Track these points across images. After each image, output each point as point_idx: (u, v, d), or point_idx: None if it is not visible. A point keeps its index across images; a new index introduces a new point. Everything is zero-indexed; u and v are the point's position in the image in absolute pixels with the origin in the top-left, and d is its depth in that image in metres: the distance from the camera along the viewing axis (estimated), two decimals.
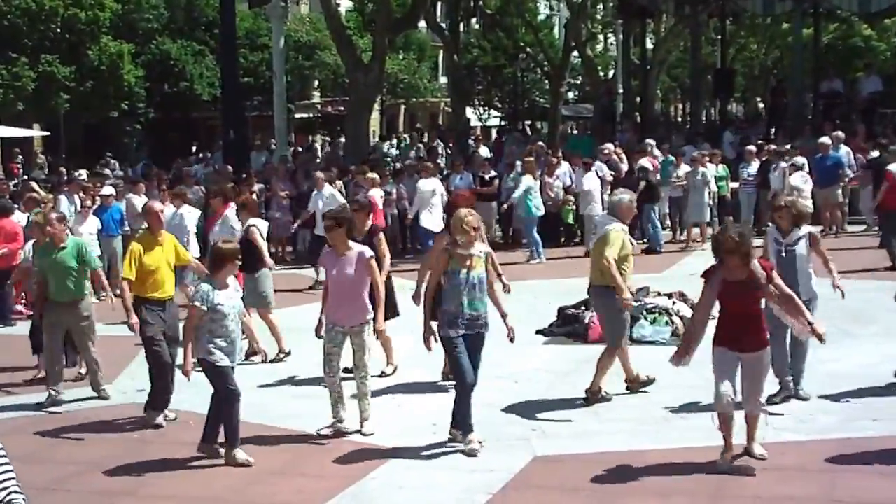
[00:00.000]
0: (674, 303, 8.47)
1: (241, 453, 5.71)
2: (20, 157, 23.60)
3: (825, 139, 13.96)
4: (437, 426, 6.16)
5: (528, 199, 13.02)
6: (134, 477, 5.70)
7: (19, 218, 10.78)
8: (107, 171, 18.84)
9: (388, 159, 19.64)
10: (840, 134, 14.34)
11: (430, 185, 12.65)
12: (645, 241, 13.10)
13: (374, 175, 12.51)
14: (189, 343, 5.70)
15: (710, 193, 13.47)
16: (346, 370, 6.30)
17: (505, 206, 13.81)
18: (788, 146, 14.53)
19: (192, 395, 6.62)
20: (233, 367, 5.78)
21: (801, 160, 12.98)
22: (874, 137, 15.54)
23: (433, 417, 6.34)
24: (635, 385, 6.68)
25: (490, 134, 31.84)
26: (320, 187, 11.88)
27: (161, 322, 6.57)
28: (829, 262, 6.42)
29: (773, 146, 14.70)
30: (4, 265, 10.09)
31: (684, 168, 13.89)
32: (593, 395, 6.51)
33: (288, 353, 8.05)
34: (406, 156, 20.53)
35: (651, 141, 15.24)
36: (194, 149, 23.89)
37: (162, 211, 11.83)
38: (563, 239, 14.41)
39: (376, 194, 11.74)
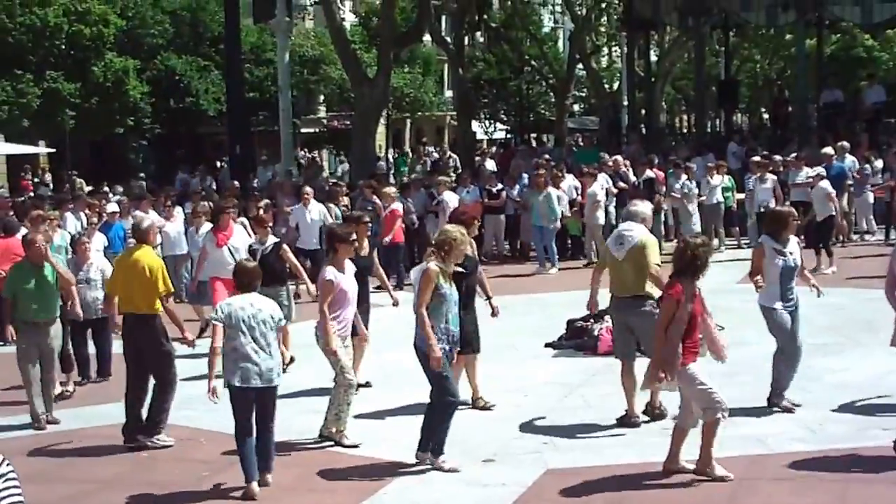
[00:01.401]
0: None
1: (253, 486, 5.44)
2: (30, 172, 23.75)
3: (829, 149, 13.99)
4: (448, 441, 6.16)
5: (551, 210, 13.15)
6: (144, 495, 5.68)
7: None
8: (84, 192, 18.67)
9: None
10: (845, 144, 14.38)
11: (455, 198, 13.13)
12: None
13: (390, 189, 12.71)
14: (213, 363, 5.55)
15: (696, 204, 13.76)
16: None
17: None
18: (794, 156, 14.55)
19: (203, 412, 6.62)
20: (254, 390, 5.47)
21: (821, 170, 13.01)
22: (878, 147, 15.57)
23: None
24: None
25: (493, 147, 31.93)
26: (306, 203, 12.10)
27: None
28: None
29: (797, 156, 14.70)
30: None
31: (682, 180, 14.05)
32: (653, 410, 6.37)
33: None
34: (412, 169, 20.60)
35: (614, 156, 15.21)
36: (219, 164, 23.81)
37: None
38: (569, 252, 14.42)
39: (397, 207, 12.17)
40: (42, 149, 24.80)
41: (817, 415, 6.27)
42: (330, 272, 6.23)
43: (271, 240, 8.38)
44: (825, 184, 12.28)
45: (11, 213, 11.87)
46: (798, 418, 6.24)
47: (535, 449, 5.97)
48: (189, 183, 17.99)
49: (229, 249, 8.92)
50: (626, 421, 6.30)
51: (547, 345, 8.56)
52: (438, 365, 5.56)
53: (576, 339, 8.48)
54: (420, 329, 5.59)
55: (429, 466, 5.65)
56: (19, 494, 2.72)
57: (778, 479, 5.27)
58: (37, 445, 6.63)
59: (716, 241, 13.97)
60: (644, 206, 6.64)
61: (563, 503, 5.15)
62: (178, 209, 12.83)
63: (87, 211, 12.45)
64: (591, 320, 8.54)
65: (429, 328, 5.54)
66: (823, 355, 7.54)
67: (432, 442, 5.64)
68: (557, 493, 5.28)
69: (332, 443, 6.21)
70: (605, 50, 33.86)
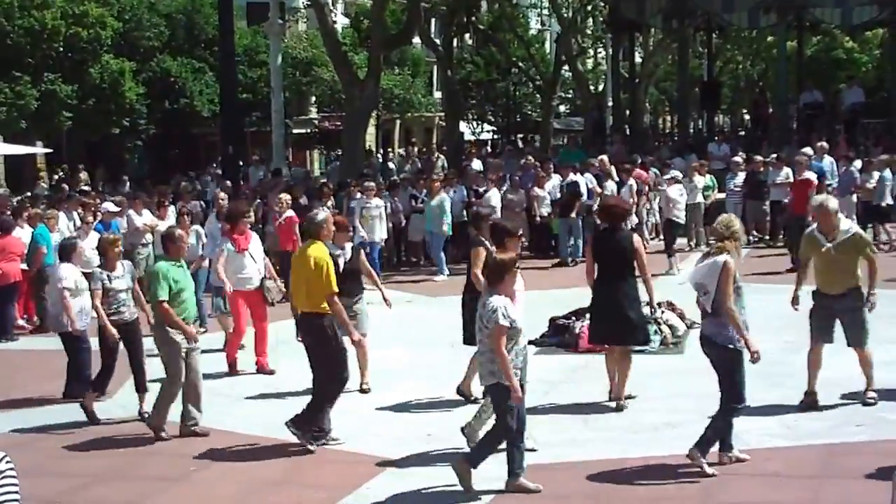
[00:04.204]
0: (662, 312, 8.62)
1: (527, 482, 5.26)
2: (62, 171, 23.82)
3: (808, 149, 14.25)
4: (431, 436, 6.30)
5: (443, 216, 13.23)
6: (136, 489, 5.82)
7: (20, 234, 10.94)
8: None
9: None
10: (824, 144, 14.64)
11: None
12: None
13: (285, 196, 12.03)
14: (509, 368, 5.06)
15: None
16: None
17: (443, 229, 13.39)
18: (774, 156, 14.82)
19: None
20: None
21: (677, 174, 13.66)
22: (856, 147, 15.86)
23: (427, 427, 6.48)
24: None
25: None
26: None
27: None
28: None
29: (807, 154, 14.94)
30: (5, 282, 10.26)
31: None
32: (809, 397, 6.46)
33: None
34: (401, 169, 20.76)
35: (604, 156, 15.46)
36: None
37: (157, 226, 11.84)
38: (552, 251, 14.63)
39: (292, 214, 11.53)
40: (39, 149, 24.88)
41: (792, 411, 6.40)
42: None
43: (349, 245, 7.52)
44: (672, 189, 12.78)
45: (9, 212, 11.95)
46: (773, 415, 6.36)
47: None
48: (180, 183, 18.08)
49: (251, 257, 8.32)
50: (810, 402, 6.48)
51: (529, 342, 8.66)
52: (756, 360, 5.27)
53: (558, 337, 8.62)
54: (734, 327, 5.26)
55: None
56: (16, 493, 2.78)
57: (753, 475, 5.40)
58: (30, 440, 6.75)
59: (688, 242, 14.25)
60: (834, 202, 6.80)
61: (542, 498, 5.27)
62: (172, 209, 12.93)
63: (79, 210, 12.50)
64: (573, 318, 8.73)
65: (742, 325, 5.27)
66: (799, 352, 7.73)
67: (708, 441, 5.46)
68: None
69: None
70: (591, 52, 34.05)
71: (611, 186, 13.94)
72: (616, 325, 6.68)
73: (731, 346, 5.36)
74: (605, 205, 7.76)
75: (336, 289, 6.17)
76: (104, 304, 7.00)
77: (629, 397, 6.77)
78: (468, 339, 6.79)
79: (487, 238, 6.81)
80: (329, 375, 6.19)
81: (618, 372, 6.79)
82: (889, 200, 13.12)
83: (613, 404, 6.73)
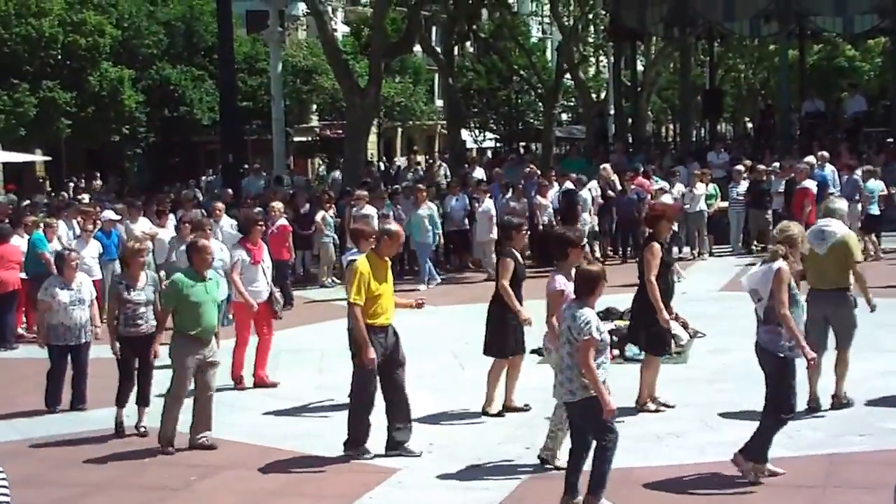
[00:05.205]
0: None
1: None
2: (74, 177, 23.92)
3: (810, 158, 14.25)
4: (433, 445, 6.30)
5: (432, 226, 13.21)
6: (135, 498, 5.80)
7: (19, 242, 10.91)
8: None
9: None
10: (825, 153, 14.64)
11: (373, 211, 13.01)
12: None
13: (278, 204, 11.88)
14: (599, 382, 4.87)
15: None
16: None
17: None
18: (777, 164, 14.81)
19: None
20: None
21: (665, 184, 13.72)
22: (859, 156, 15.85)
23: (429, 437, 6.46)
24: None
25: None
26: (218, 218, 11.43)
27: (381, 351, 6.06)
28: None
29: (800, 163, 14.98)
30: (4, 290, 10.24)
31: (679, 188, 14.26)
32: (838, 400, 6.58)
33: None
34: (403, 177, 20.78)
35: (607, 165, 15.40)
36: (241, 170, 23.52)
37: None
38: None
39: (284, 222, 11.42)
40: (38, 157, 24.93)
41: (794, 421, 6.36)
42: (560, 281, 5.76)
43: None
44: (665, 199, 12.73)
45: (7, 220, 11.93)
46: None
47: (518, 454, 6.08)
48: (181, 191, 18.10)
49: (262, 270, 8.07)
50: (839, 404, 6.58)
51: (532, 351, 8.67)
52: (815, 367, 5.39)
53: None
54: (789, 333, 5.25)
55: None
56: (7, 501, 2.80)
57: (756, 485, 5.37)
58: (29, 450, 6.72)
59: (690, 251, 14.22)
60: (842, 203, 6.91)
61: None
62: (171, 216, 12.91)
63: (79, 219, 12.47)
64: None
65: (798, 332, 5.26)
66: (799, 363, 7.70)
67: (755, 451, 5.37)
68: (539, 498, 5.39)
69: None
70: (593, 60, 34.16)
71: (584, 195, 13.92)
72: (639, 332, 6.90)
73: (781, 355, 5.34)
74: (648, 208, 7.85)
75: (357, 300, 5.94)
76: (120, 314, 6.87)
77: (667, 406, 6.82)
78: (488, 349, 6.92)
79: (517, 248, 6.88)
80: (354, 383, 6.16)
81: (644, 375, 6.86)
82: (875, 210, 13.10)
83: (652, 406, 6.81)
